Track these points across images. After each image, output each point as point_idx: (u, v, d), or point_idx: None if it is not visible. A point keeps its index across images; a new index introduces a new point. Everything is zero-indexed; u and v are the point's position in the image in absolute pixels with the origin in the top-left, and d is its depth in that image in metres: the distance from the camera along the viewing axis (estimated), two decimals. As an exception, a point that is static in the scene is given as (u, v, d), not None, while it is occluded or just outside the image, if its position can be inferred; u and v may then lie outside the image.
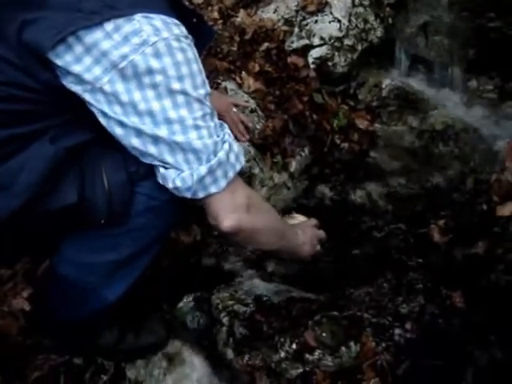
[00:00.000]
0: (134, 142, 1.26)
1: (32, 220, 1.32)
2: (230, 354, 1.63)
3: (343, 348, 1.55)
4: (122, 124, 1.24)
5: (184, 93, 1.22)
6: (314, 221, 1.82)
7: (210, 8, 2.56)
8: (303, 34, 2.41)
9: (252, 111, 2.15)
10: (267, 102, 2.21)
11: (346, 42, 2.40)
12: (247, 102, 2.17)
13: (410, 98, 2.41)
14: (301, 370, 1.55)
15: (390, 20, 2.52)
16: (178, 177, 1.29)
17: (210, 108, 1.29)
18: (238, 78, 2.25)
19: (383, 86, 2.43)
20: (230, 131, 1.36)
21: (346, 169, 2.21)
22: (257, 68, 2.29)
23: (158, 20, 1.20)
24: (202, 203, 1.36)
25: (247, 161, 2.00)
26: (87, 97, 1.22)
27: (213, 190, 1.32)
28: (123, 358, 1.66)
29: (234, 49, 2.37)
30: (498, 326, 1.51)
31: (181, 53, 1.21)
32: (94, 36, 1.17)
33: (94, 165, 1.34)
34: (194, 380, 1.64)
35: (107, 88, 1.19)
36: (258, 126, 2.12)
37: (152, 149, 1.27)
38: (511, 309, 1.52)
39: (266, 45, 2.39)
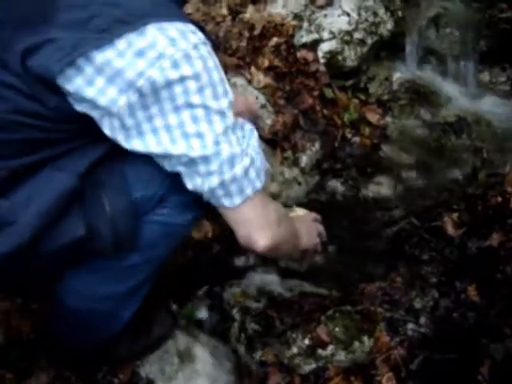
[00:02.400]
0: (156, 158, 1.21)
1: (36, 257, 1.25)
2: (242, 350, 1.63)
3: (356, 343, 1.54)
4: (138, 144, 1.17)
5: (204, 106, 1.15)
6: (313, 215, 1.76)
7: (218, 4, 2.54)
8: (312, 28, 2.38)
9: (262, 106, 2.13)
10: (277, 97, 2.20)
11: (356, 35, 2.37)
12: (257, 97, 2.16)
13: (421, 91, 2.38)
14: (314, 366, 1.55)
15: (400, 13, 2.48)
16: (192, 182, 1.23)
17: (232, 120, 1.21)
18: (247, 74, 2.24)
19: (394, 80, 2.40)
20: (257, 142, 1.29)
21: (358, 163, 2.18)
22: (266, 63, 2.28)
23: (173, 30, 1.13)
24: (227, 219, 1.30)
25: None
26: (105, 122, 1.15)
27: (226, 203, 1.24)
28: (138, 357, 1.65)
29: (243, 44, 2.36)
30: (513, 318, 1.49)
31: (200, 61, 1.13)
32: (106, 55, 1.09)
33: (94, 192, 1.26)
34: (207, 376, 1.63)
35: (124, 110, 1.12)
36: (268, 122, 2.11)
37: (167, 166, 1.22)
38: (527, 301, 1.50)
39: (275, 40, 2.36)
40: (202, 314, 1.75)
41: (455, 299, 1.59)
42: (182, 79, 1.11)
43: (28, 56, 1.10)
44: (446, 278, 1.65)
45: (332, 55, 2.35)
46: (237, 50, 2.32)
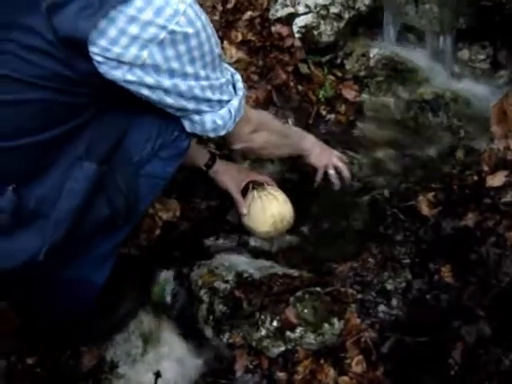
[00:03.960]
0: (177, 102, 1.32)
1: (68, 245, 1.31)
2: (209, 332, 1.59)
3: (326, 325, 1.49)
4: (165, 91, 1.28)
5: (211, 51, 1.30)
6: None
7: (192, -23, 2.48)
8: (288, 1, 2.32)
9: (234, 82, 2.08)
10: (250, 73, 2.15)
11: (333, 10, 2.32)
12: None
13: (398, 68, 2.34)
14: (282, 348, 1.51)
15: (379, -13, 2.43)
16: (216, 115, 1.40)
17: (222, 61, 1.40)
18: (220, 48, 2.18)
19: (371, 56, 2.35)
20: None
21: (332, 141, 2.13)
22: (240, 37, 2.23)
23: None
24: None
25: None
26: (128, 77, 1.22)
27: (238, 117, 1.45)
28: (104, 337, 1.63)
29: (217, 18, 2.30)
30: (487, 301, 1.45)
31: (203, 15, 1.27)
32: (128, 14, 1.16)
33: (110, 171, 1.34)
34: (173, 359, 1.60)
35: (148, 62, 1.21)
36: (240, 97, 2.05)
37: (190, 105, 1.34)
38: (501, 283, 1.46)
39: (249, 13, 2.31)
40: (170, 294, 1.69)
41: (428, 281, 1.55)
42: (197, 33, 1.24)
43: (53, 13, 1.12)
44: (420, 259, 1.61)
45: (307, 30, 2.30)
46: (210, 24, 2.26)
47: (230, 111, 1.42)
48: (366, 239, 1.71)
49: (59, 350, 1.61)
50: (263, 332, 1.52)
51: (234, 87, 1.45)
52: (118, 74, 1.21)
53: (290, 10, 2.31)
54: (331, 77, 2.31)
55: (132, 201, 1.40)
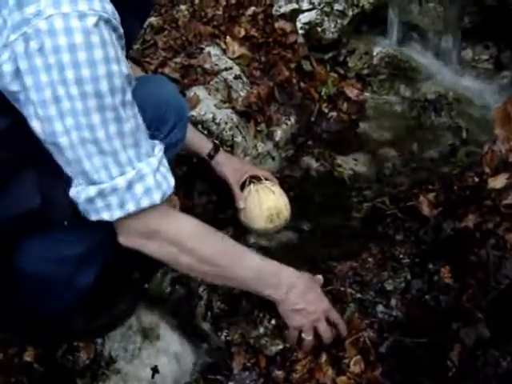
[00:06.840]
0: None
1: None
2: (207, 328, 1.58)
3: (325, 324, 1.49)
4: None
5: (78, 82, 1.03)
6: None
7: (195, -29, 2.47)
8: (292, -2, 2.33)
9: (236, 77, 2.07)
10: (252, 68, 2.15)
11: (337, 6, 2.32)
12: (231, 68, 2.09)
13: (401, 67, 2.34)
14: (280, 347, 1.50)
15: (383, -15, 2.42)
16: (74, 188, 1.17)
17: (125, 115, 1.11)
18: (222, 43, 2.18)
19: (374, 54, 2.35)
20: (162, 158, 1.22)
21: (334, 139, 2.14)
22: (242, 33, 2.22)
23: None
24: None
25: (229, 129, 1.94)
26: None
27: (105, 217, 1.18)
28: (99, 334, 1.60)
29: (219, 13, 2.30)
30: (486, 303, 1.45)
31: (81, 35, 1.01)
32: None
33: (49, 160, 1.18)
34: (171, 355, 1.59)
35: (7, 69, 1.03)
36: (242, 93, 2.05)
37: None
38: (500, 285, 1.45)
39: (252, 9, 2.32)
40: (168, 291, 1.69)
41: (428, 281, 1.55)
42: (56, 49, 1.00)
43: None
44: (420, 260, 1.60)
45: (311, 26, 2.31)
46: (212, 19, 2.27)
47: (79, 193, 1.17)
48: (366, 238, 1.71)
49: (56, 345, 1.60)
50: (261, 330, 1.52)
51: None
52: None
53: (294, 6, 2.32)
54: (334, 74, 2.32)
55: None
